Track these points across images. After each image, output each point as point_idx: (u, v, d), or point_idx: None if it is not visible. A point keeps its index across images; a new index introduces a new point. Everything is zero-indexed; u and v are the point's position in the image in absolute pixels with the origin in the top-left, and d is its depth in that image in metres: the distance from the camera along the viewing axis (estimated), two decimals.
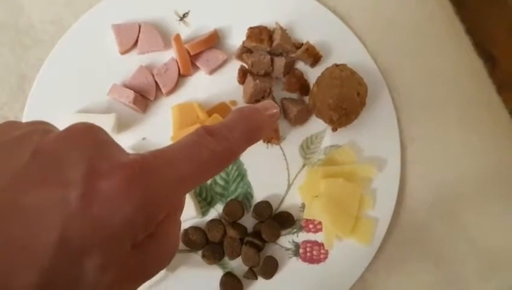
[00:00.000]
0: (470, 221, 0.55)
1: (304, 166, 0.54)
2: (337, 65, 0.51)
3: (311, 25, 0.56)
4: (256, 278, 0.50)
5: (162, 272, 0.48)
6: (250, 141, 0.25)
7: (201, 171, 0.22)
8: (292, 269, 0.51)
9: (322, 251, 0.51)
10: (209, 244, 0.51)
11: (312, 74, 0.55)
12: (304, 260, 0.51)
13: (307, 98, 0.55)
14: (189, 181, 0.22)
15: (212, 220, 0.51)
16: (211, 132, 0.23)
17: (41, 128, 0.21)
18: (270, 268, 0.50)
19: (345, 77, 0.50)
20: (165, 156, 0.21)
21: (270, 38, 0.54)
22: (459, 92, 0.58)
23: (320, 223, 0.52)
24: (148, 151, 0.21)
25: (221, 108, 0.54)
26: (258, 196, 0.53)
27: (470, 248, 0.54)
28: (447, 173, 0.55)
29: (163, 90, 0.53)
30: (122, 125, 0.52)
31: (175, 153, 0.22)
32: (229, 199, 0.52)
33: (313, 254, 0.51)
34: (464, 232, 0.55)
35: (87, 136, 0.20)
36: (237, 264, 0.51)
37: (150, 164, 0.20)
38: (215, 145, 0.23)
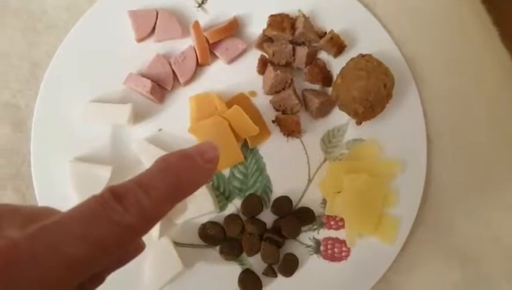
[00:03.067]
0: (496, 218, 0.53)
1: (325, 160, 0.52)
2: (362, 55, 0.49)
3: (335, 13, 0.54)
4: (276, 276, 0.49)
5: (180, 268, 0.47)
6: (174, 201, 0.20)
7: (98, 253, 0.18)
8: (313, 267, 0.49)
9: (344, 249, 0.50)
10: (227, 239, 0.49)
11: (335, 64, 0.53)
12: (325, 257, 0.50)
13: (329, 90, 0.53)
14: (80, 267, 0.17)
15: (230, 215, 0.50)
16: (119, 195, 0.19)
17: None
18: (290, 265, 0.48)
19: (371, 68, 0.48)
20: (51, 233, 0.17)
21: (292, 27, 0.52)
22: (486, 85, 0.56)
23: (342, 219, 0.50)
24: (34, 226, 0.17)
25: (240, 99, 0.52)
26: (277, 190, 0.51)
27: (495, 246, 0.53)
28: (474, 169, 0.53)
29: (181, 80, 0.51)
30: (138, 115, 0.50)
31: (65, 227, 0.17)
32: (247, 193, 0.51)
33: (335, 251, 0.50)
34: (490, 230, 0.53)
35: None
36: (255, 261, 0.49)
37: (21, 252, 0.16)
38: (122, 216, 0.18)
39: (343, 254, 0.50)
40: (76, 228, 0.17)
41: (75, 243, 0.17)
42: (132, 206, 0.19)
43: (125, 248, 0.19)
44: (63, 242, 0.17)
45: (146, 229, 0.19)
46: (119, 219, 0.18)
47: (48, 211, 0.23)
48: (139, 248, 0.24)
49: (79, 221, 0.18)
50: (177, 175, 0.20)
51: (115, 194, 0.19)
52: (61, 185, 0.48)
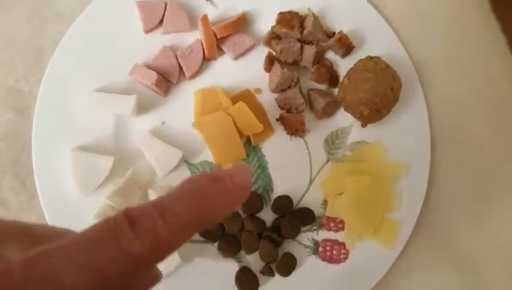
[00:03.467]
0: (498, 226, 0.53)
1: (327, 161, 0.52)
2: (371, 57, 0.49)
3: (344, 13, 0.53)
4: (274, 275, 0.48)
5: (177, 261, 0.46)
6: (195, 229, 0.18)
7: (100, 284, 0.16)
8: (310, 268, 0.49)
9: (343, 251, 0.49)
10: (225, 236, 0.49)
11: (342, 65, 0.53)
12: (323, 259, 0.49)
13: (335, 90, 0.52)
14: None
15: None
16: (134, 219, 0.17)
17: None
18: (288, 265, 0.48)
19: (379, 70, 0.47)
20: (51, 259, 0.16)
21: (301, 25, 0.51)
22: (492, 92, 0.56)
23: (342, 221, 0.50)
24: (36, 249, 0.16)
25: (245, 95, 0.52)
26: (278, 189, 0.51)
27: (496, 253, 0.52)
28: (477, 176, 0.53)
29: (187, 74, 0.50)
30: (142, 107, 0.50)
31: (67, 253, 0.16)
32: None
33: (333, 253, 0.49)
34: (491, 237, 0.53)
35: None
36: (253, 259, 0.49)
37: (14, 279, 0.15)
38: (131, 243, 0.16)
39: (342, 256, 0.49)
40: (79, 255, 0.16)
41: (74, 272, 0.15)
42: (145, 232, 0.16)
43: (132, 279, 0.17)
44: (61, 270, 0.15)
45: (158, 259, 0.17)
46: (128, 246, 0.16)
47: (63, 233, 0.21)
48: (154, 278, 0.20)
49: (83, 247, 0.16)
50: (202, 200, 0.18)
51: (129, 218, 0.17)
52: (61, 174, 0.47)
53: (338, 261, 0.49)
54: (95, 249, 0.16)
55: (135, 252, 0.16)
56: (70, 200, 0.47)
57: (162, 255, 0.17)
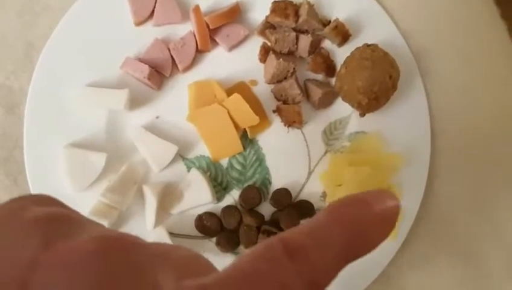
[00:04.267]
0: (500, 216, 0.52)
1: (326, 153, 0.51)
2: (368, 45, 0.48)
3: (340, 1, 0.52)
4: None
5: None
6: (346, 263, 0.16)
7: None
8: None
9: None
10: (224, 231, 0.48)
11: (339, 54, 0.51)
12: None
13: (332, 80, 0.51)
14: None
15: (227, 207, 0.48)
16: (292, 251, 0.15)
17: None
18: None
19: (376, 58, 0.46)
20: None
21: (296, 14, 0.50)
22: (493, 79, 0.55)
23: None
24: (192, 283, 0.15)
25: (240, 87, 0.51)
26: (277, 182, 0.50)
27: (499, 245, 0.51)
28: (479, 166, 0.52)
29: (180, 67, 0.49)
30: (135, 102, 0.49)
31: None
32: (246, 184, 0.49)
33: None
34: (493, 228, 0.52)
35: None
36: None
37: None
38: (293, 279, 0.14)
39: None
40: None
41: None
42: (305, 269, 0.14)
43: None
44: None
45: None
46: (290, 284, 0.14)
47: (198, 259, 0.18)
48: None
49: (241, 282, 0.14)
50: (352, 228, 0.16)
51: (288, 250, 0.15)
52: (54, 171, 0.47)
53: None
54: (259, 282, 0.14)
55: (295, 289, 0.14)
56: (63, 198, 0.45)
57: None
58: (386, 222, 0.17)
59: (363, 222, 0.16)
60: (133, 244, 0.15)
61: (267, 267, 0.14)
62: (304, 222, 0.17)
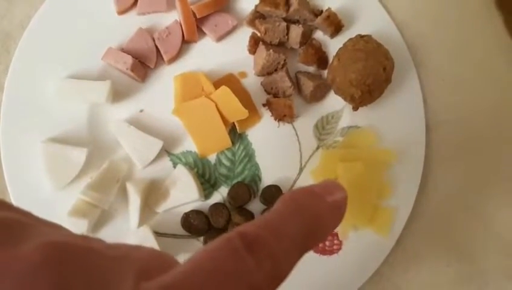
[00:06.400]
0: (496, 214, 0.51)
1: (318, 148, 0.49)
2: (361, 36, 0.46)
3: None
4: None
5: None
6: (304, 252, 0.17)
7: None
8: (302, 260, 0.46)
9: (336, 242, 0.47)
10: (211, 230, 0.46)
11: (332, 45, 0.50)
12: (315, 250, 0.47)
13: (324, 73, 0.50)
14: None
15: (215, 204, 0.47)
16: (251, 243, 0.15)
17: None
18: None
19: (370, 50, 0.44)
20: None
21: (287, 3, 0.48)
22: (489, 71, 0.53)
23: None
24: (152, 285, 0.14)
25: (228, 80, 0.49)
26: (267, 179, 0.48)
27: (494, 243, 0.50)
28: (475, 161, 0.51)
29: (165, 58, 0.47)
30: (118, 94, 0.47)
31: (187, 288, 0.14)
32: (234, 181, 0.48)
33: (325, 244, 0.47)
34: (489, 226, 0.51)
35: None
36: None
37: None
38: (255, 273, 0.14)
39: (335, 247, 0.47)
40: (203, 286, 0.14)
41: None
42: (265, 260, 0.15)
43: None
44: None
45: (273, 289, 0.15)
46: (253, 279, 0.14)
47: (160, 257, 0.18)
48: None
49: (204, 280, 0.14)
50: (306, 217, 0.17)
51: (246, 243, 0.15)
52: (32, 167, 0.45)
53: (331, 252, 0.47)
54: (218, 282, 0.14)
55: (257, 283, 0.14)
56: (42, 196, 0.44)
57: (277, 284, 0.15)
58: (336, 211, 0.18)
59: (316, 212, 0.17)
60: (87, 251, 0.14)
61: (227, 262, 0.14)
62: (260, 216, 0.17)
